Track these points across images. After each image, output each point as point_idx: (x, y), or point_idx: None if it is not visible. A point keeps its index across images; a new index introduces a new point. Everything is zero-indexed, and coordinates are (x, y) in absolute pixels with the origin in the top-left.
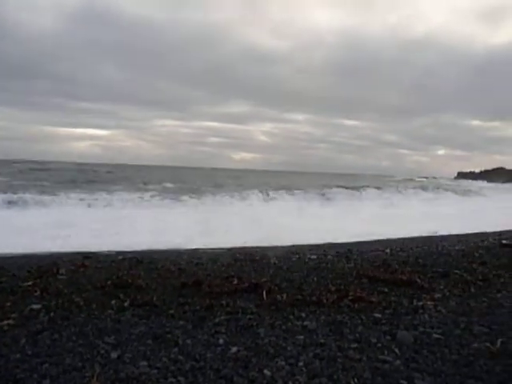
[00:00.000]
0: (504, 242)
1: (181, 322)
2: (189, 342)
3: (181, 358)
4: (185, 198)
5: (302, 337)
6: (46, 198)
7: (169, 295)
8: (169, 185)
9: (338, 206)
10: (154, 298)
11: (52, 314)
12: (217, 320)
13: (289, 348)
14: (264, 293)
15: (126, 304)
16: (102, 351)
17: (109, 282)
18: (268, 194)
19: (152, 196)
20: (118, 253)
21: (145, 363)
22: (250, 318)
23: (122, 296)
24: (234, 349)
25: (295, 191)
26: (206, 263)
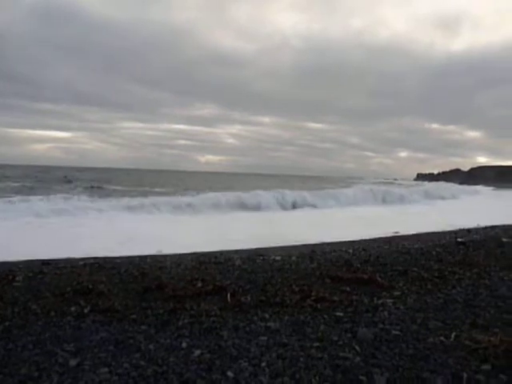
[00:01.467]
0: (459, 240)
1: (143, 327)
2: (151, 346)
3: (143, 363)
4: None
5: (265, 338)
6: None
7: (131, 300)
8: (122, 187)
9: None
10: (116, 304)
11: (7, 324)
12: (180, 323)
13: (252, 349)
14: (228, 295)
15: (86, 310)
16: (61, 359)
17: (69, 289)
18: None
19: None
20: (79, 259)
21: (105, 370)
22: (213, 321)
23: (82, 302)
24: (197, 352)
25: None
26: (169, 267)
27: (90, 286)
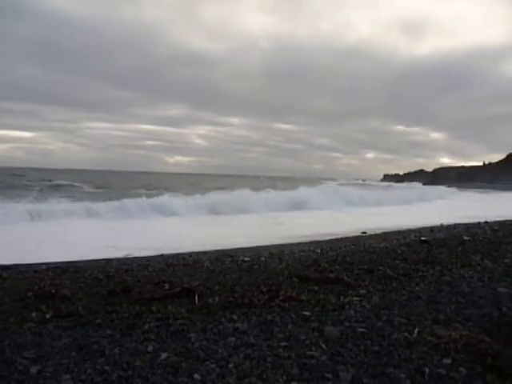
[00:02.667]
0: (423, 238)
1: (108, 331)
2: (116, 351)
3: (107, 368)
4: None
5: (233, 338)
6: None
7: (96, 304)
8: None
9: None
10: (80, 308)
11: None
12: (146, 327)
13: (219, 350)
14: (196, 297)
15: (48, 316)
16: (20, 367)
17: (30, 294)
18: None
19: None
20: (42, 263)
21: (68, 376)
22: (180, 323)
23: (43, 308)
24: (164, 355)
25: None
26: (136, 269)
27: (53, 291)
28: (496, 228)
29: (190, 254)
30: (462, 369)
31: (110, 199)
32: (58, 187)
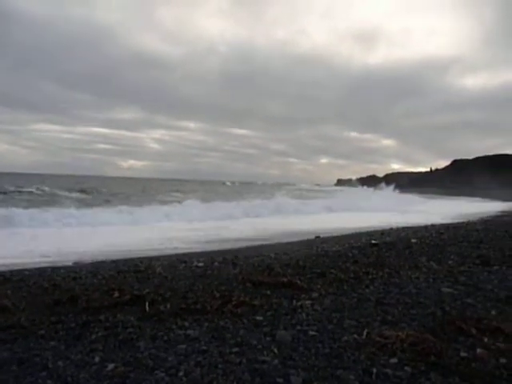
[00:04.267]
0: (373, 241)
1: (52, 343)
2: (60, 363)
3: (50, 382)
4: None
5: (184, 346)
6: None
7: (40, 314)
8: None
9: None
10: (22, 319)
11: None
12: (93, 337)
13: (170, 359)
14: (147, 304)
15: None
16: None
17: None
18: None
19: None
20: None
21: None
22: (130, 332)
23: None
24: (111, 365)
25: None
26: (84, 277)
27: None
28: (442, 231)
29: (142, 261)
30: (407, 368)
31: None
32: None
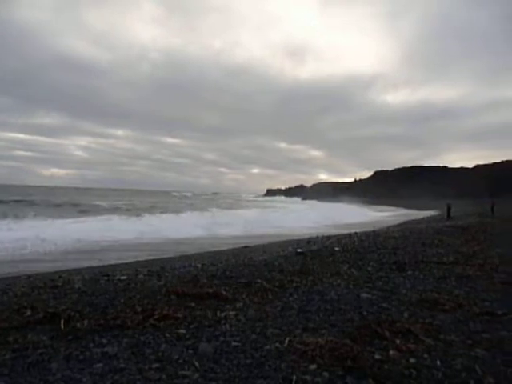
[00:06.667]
0: (299, 250)
1: None
2: None
3: None
4: None
5: (100, 364)
6: None
7: None
8: None
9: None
10: None
11: None
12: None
13: (84, 379)
14: (62, 322)
15: None
16: None
17: None
18: None
19: None
20: None
21: None
22: (41, 353)
23: None
24: None
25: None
26: None
27: None
28: (363, 238)
29: (61, 275)
30: (325, 373)
31: None
32: None
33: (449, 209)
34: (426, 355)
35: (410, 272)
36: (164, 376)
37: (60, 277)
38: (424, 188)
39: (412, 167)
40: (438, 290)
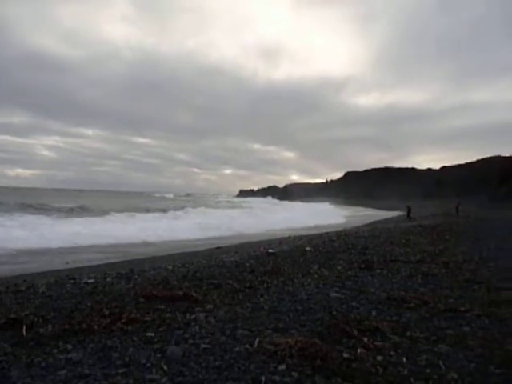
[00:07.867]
0: (270, 251)
1: None
2: None
3: None
4: None
5: (64, 371)
6: None
7: None
8: None
9: None
10: None
11: None
12: None
13: None
14: (24, 327)
15: None
16: None
17: None
18: None
19: None
20: None
21: None
22: (1, 361)
23: None
24: None
25: None
26: None
27: None
28: (333, 238)
29: (25, 279)
30: (294, 373)
31: None
32: None
33: (409, 211)
34: (392, 352)
35: (378, 271)
36: (131, 381)
37: (24, 280)
38: (393, 189)
39: (382, 168)
40: (405, 288)
